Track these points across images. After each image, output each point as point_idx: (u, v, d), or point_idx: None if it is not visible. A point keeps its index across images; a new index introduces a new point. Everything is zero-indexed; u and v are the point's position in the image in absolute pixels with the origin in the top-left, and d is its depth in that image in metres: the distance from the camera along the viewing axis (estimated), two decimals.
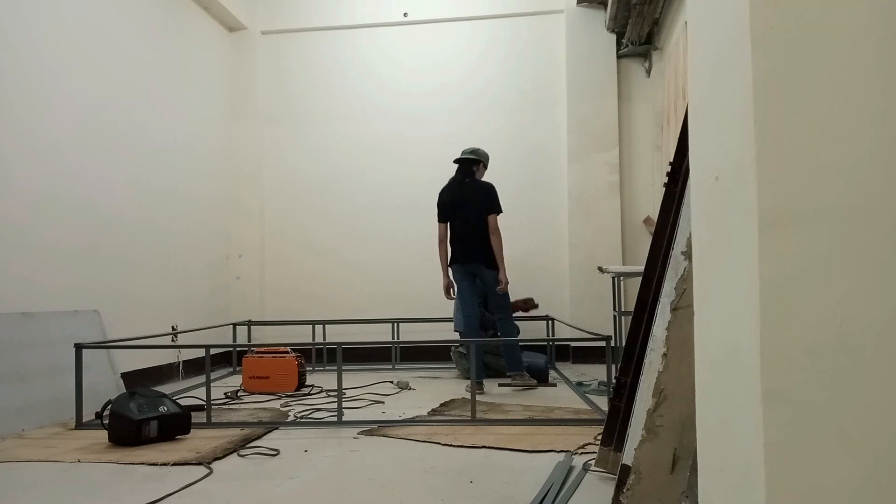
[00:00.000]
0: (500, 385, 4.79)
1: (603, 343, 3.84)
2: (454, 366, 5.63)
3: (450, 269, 5.02)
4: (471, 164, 5.05)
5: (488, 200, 4.88)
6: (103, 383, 4.17)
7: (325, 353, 6.22)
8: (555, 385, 4.94)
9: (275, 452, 3.01)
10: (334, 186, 6.81)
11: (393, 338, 6.27)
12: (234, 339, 6.26)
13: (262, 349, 4.94)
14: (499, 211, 4.90)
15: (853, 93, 0.96)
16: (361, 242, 6.75)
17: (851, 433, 0.93)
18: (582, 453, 2.87)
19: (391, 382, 5.09)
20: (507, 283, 4.88)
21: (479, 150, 5.19)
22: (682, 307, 1.95)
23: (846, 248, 0.95)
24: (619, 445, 2.36)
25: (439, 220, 5.06)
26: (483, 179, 5.11)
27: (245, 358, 4.89)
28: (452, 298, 5.18)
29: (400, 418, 3.76)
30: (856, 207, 0.95)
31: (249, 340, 6.50)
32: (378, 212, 6.73)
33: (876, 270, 0.94)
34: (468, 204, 4.92)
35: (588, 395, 4.37)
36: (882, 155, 0.95)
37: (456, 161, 5.12)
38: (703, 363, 1.28)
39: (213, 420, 3.61)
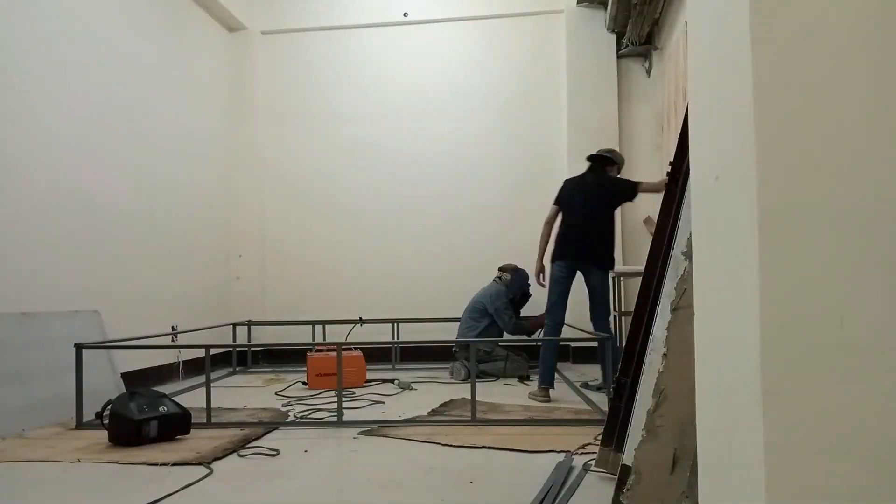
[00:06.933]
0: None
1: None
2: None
3: (554, 264, 4.58)
4: (602, 161, 4.73)
5: (623, 194, 4.64)
6: (103, 383, 4.16)
7: None
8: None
9: (275, 452, 3.00)
10: (334, 186, 6.81)
11: (393, 338, 6.27)
12: (234, 340, 6.26)
13: (323, 347, 5.07)
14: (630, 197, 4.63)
15: (853, 93, 0.96)
16: (362, 242, 6.75)
17: (851, 433, 0.93)
18: (582, 453, 2.87)
19: (392, 382, 5.09)
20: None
21: (615, 151, 4.99)
22: (682, 307, 1.95)
23: (846, 248, 0.95)
24: (619, 445, 2.36)
25: (554, 202, 4.76)
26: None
27: (310, 357, 5.00)
28: (543, 285, 4.82)
29: (400, 418, 3.76)
30: (856, 207, 0.95)
31: (249, 340, 6.50)
32: (378, 212, 6.73)
33: (876, 270, 0.94)
34: (591, 194, 4.59)
35: (588, 395, 4.37)
36: (881, 155, 0.95)
37: (588, 158, 4.83)
38: (703, 363, 1.28)
39: (213, 420, 3.62)
